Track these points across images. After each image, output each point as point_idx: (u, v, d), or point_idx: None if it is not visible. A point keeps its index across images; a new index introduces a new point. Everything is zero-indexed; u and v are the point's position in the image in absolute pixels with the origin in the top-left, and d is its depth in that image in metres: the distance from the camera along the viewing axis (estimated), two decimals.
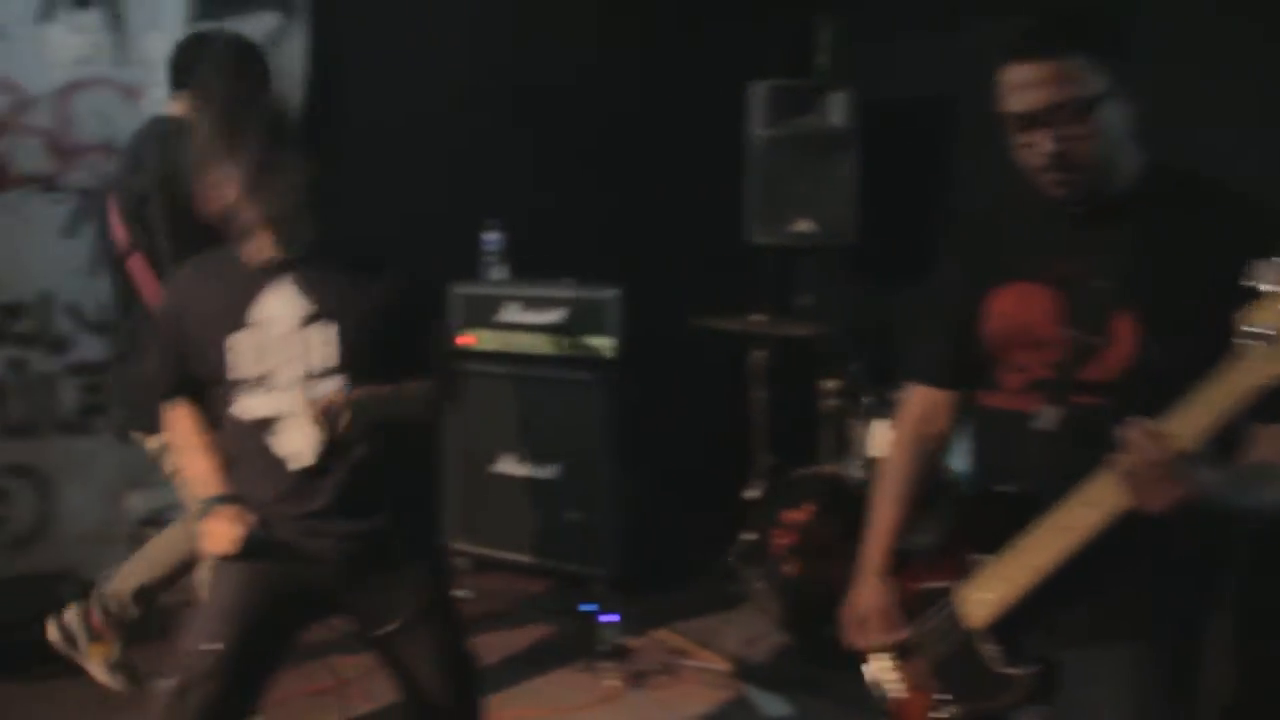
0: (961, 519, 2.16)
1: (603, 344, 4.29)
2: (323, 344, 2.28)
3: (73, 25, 3.91)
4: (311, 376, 2.29)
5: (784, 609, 4.01)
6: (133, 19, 4.01)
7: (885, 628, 2.21)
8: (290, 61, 4.27)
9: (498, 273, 4.57)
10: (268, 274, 2.27)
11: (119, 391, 3.13)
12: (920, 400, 2.26)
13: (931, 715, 2.15)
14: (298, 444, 2.29)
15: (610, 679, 3.73)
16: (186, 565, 3.19)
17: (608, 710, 3.55)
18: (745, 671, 3.78)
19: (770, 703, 3.58)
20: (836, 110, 4.81)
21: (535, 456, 4.44)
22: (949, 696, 2.11)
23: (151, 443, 3.04)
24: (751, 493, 4.29)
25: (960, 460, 3.53)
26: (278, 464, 2.32)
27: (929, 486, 2.30)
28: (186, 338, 2.38)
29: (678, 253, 4.91)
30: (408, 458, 2.48)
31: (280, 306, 2.29)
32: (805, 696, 3.62)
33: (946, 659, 2.13)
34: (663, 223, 4.92)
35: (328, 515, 2.33)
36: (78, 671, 3.61)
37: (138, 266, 2.93)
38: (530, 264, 4.61)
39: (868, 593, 2.26)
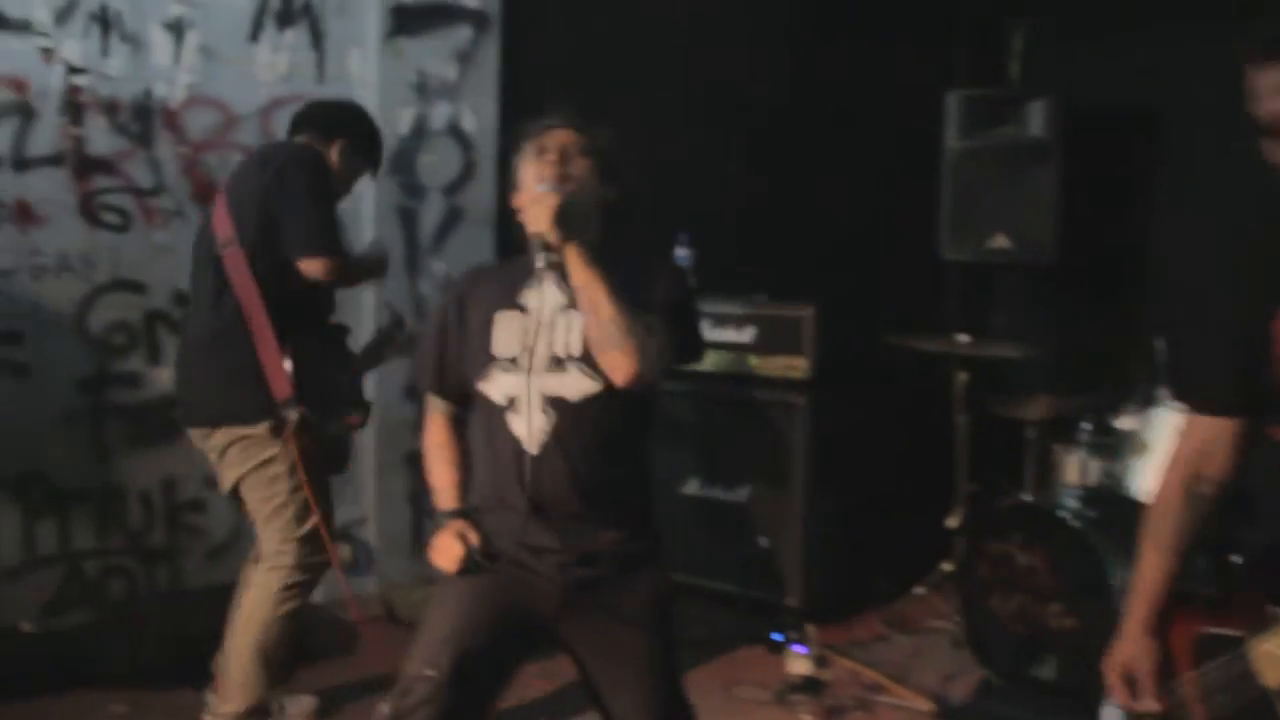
0: (1255, 565, 1.95)
1: (796, 363, 4.16)
2: (570, 331, 2.29)
3: (276, 44, 3.98)
4: (557, 361, 2.29)
5: (988, 645, 3.79)
6: (332, 36, 4.07)
7: (1152, 688, 2.00)
8: (485, 74, 4.27)
9: None
10: (543, 270, 2.31)
11: (198, 382, 3.15)
12: (1200, 432, 2.00)
13: None
14: (531, 427, 2.28)
15: (805, 714, 3.58)
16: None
17: None
18: (947, 712, 3.58)
19: None
20: (1035, 120, 4.58)
21: (724, 479, 4.32)
22: None
23: (201, 439, 3.12)
24: (951, 521, 4.08)
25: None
26: (513, 444, 2.28)
27: (1201, 530, 2.07)
28: (462, 323, 2.40)
29: (868, 269, 4.74)
30: (639, 474, 2.41)
31: (544, 295, 2.33)
32: None
33: (1231, 713, 1.93)
34: (853, 238, 4.76)
35: (553, 523, 2.26)
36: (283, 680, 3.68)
37: (234, 260, 3.01)
38: (718, 280, 4.50)
39: (1135, 650, 2.04)
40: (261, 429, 3.02)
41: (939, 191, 4.67)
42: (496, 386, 2.32)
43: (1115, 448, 3.62)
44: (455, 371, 2.42)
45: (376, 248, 3.64)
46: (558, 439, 2.25)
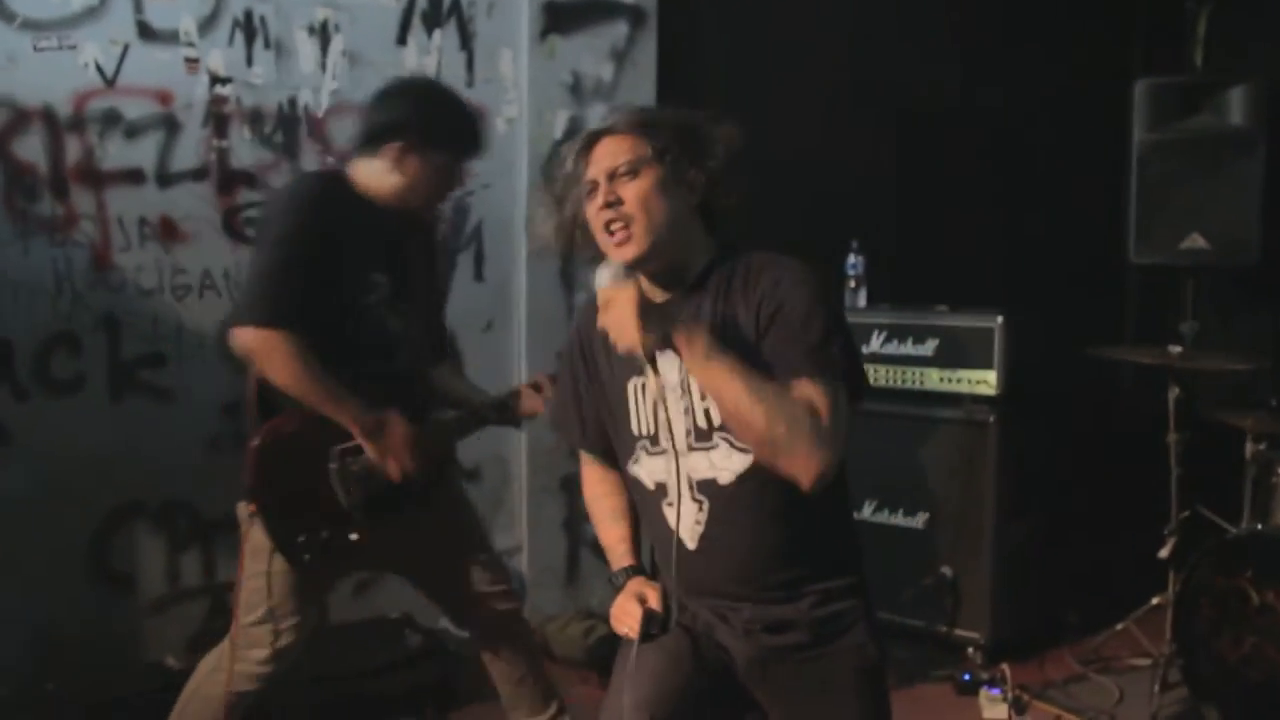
0: None
1: (983, 378, 3.81)
2: (703, 398, 1.92)
3: (424, 47, 3.78)
4: (701, 434, 1.94)
5: (1214, 692, 3.40)
6: (482, 37, 3.86)
7: None
8: (642, 73, 4.01)
9: (859, 299, 4.17)
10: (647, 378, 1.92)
11: None
12: None
13: None
14: (685, 519, 1.96)
15: None
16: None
17: None
18: None
19: None
20: (1235, 107, 4.19)
21: (903, 503, 4.00)
22: None
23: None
24: (1164, 551, 3.69)
25: None
26: (669, 535, 1.98)
27: None
28: (593, 377, 2.10)
29: (1050, 276, 4.39)
30: (831, 530, 2.02)
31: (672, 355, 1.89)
32: None
33: None
34: (1033, 243, 4.41)
35: (736, 602, 1.97)
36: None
37: None
38: (892, 289, 4.20)
39: None
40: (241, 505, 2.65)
41: (1126, 189, 4.30)
42: (645, 470, 2.02)
43: None
44: (597, 426, 2.12)
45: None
46: (716, 530, 1.94)
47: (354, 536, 2.60)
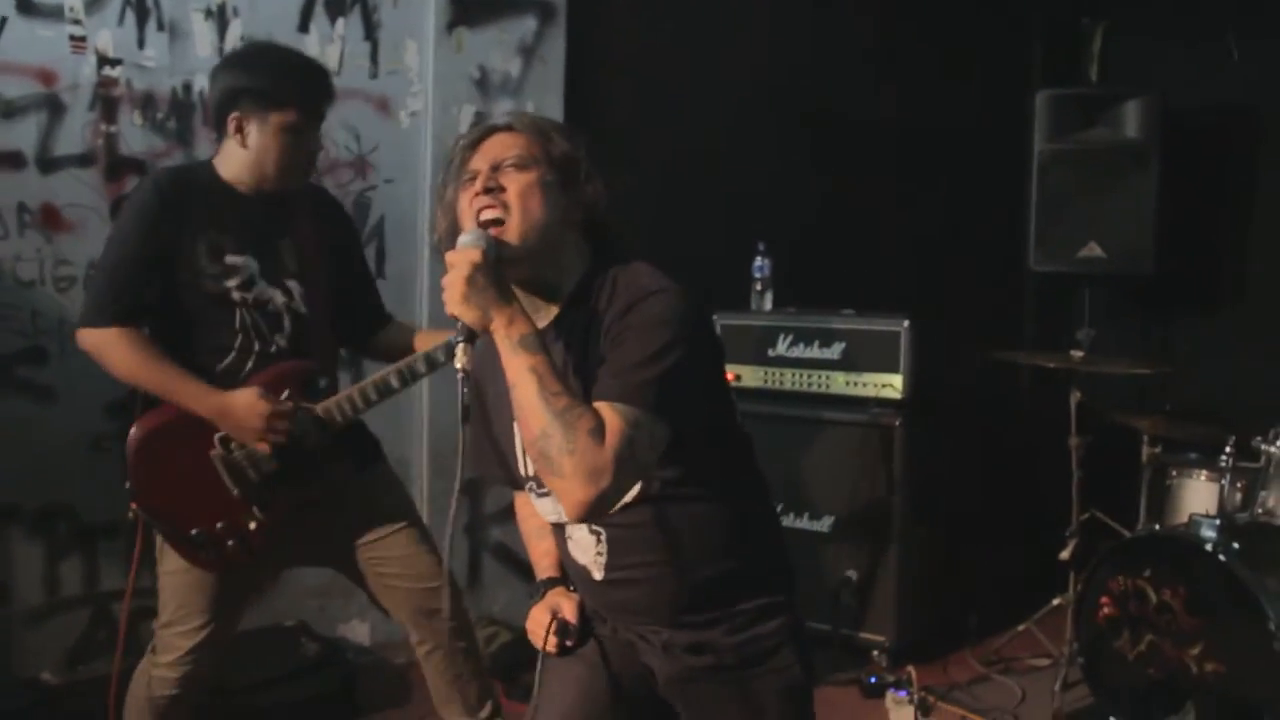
0: None
1: (889, 381, 3.84)
2: None
3: (327, 35, 3.66)
4: None
5: (1112, 690, 3.46)
6: (387, 27, 3.76)
7: None
8: (550, 70, 3.95)
9: (765, 301, 4.16)
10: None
11: None
12: None
13: None
14: (587, 552, 1.89)
15: None
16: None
17: None
18: None
19: None
20: (1130, 121, 4.31)
21: (809, 507, 4.01)
22: None
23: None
24: (1064, 553, 3.76)
25: None
26: (579, 569, 1.93)
27: None
28: (484, 408, 1.98)
29: (950, 282, 4.45)
30: (742, 545, 1.92)
31: None
32: None
33: None
34: (940, 247, 4.47)
35: (653, 626, 1.91)
36: None
37: None
38: (797, 293, 4.21)
39: None
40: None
41: (1026, 198, 4.39)
42: (540, 508, 1.95)
43: (1263, 474, 3.30)
44: (503, 459, 1.99)
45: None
46: (618, 560, 1.86)
47: (253, 525, 2.50)
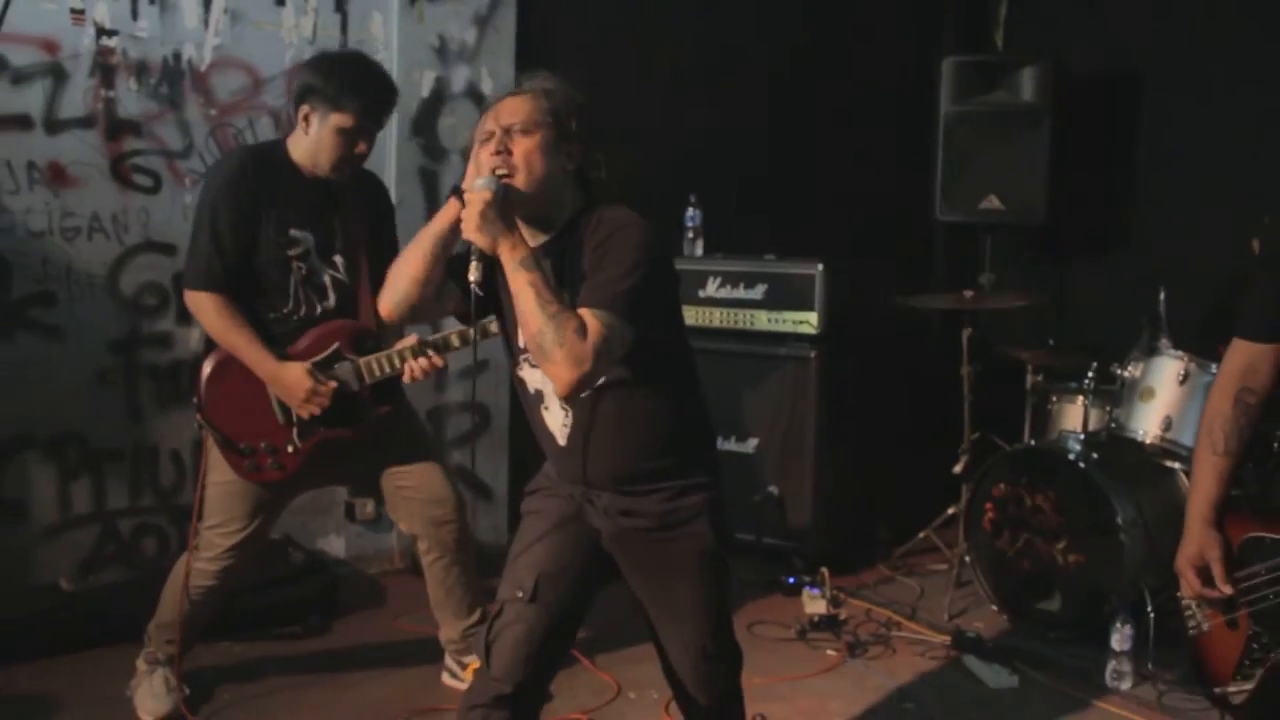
0: None
1: (806, 319, 4.32)
2: None
3: (301, 7, 4.03)
4: None
5: (996, 583, 4.01)
6: (356, 1, 4.12)
7: (1223, 574, 2.26)
8: (503, 37, 4.34)
9: (696, 248, 4.62)
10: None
11: None
12: (1243, 355, 2.31)
13: (1243, 658, 2.29)
14: (556, 420, 2.36)
15: (828, 649, 3.77)
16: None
17: (834, 679, 3.59)
18: (962, 644, 3.78)
19: (996, 674, 3.58)
20: (1027, 85, 4.78)
21: (736, 430, 4.49)
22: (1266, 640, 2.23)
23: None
24: (957, 467, 4.29)
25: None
26: (548, 435, 2.40)
27: (1249, 437, 2.32)
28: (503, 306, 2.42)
29: (866, 229, 4.92)
30: (679, 436, 2.38)
31: None
32: (1026, 669, 3.62)
33: (1275, 610, 2.21)
34: (851, 200, 4.94)
35: (599, 490, 2.37)
36: (320, 630, 3.80)
37: None
38: (724, 240, 4.66)
39: (1202, 542, 2.31)
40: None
41: (933, 154, 4.86)
42: (527, 376, 2.40)
43: (1118, 395, 3.84)
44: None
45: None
46: (580, 430, 2.31)
47: (290, 449, 3.03)
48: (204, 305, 2.96)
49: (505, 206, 2.17)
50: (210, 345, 3.05)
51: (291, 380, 2.97)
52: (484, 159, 2.25)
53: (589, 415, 2.30)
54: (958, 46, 5.26)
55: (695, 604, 2.41)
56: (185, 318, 3.92)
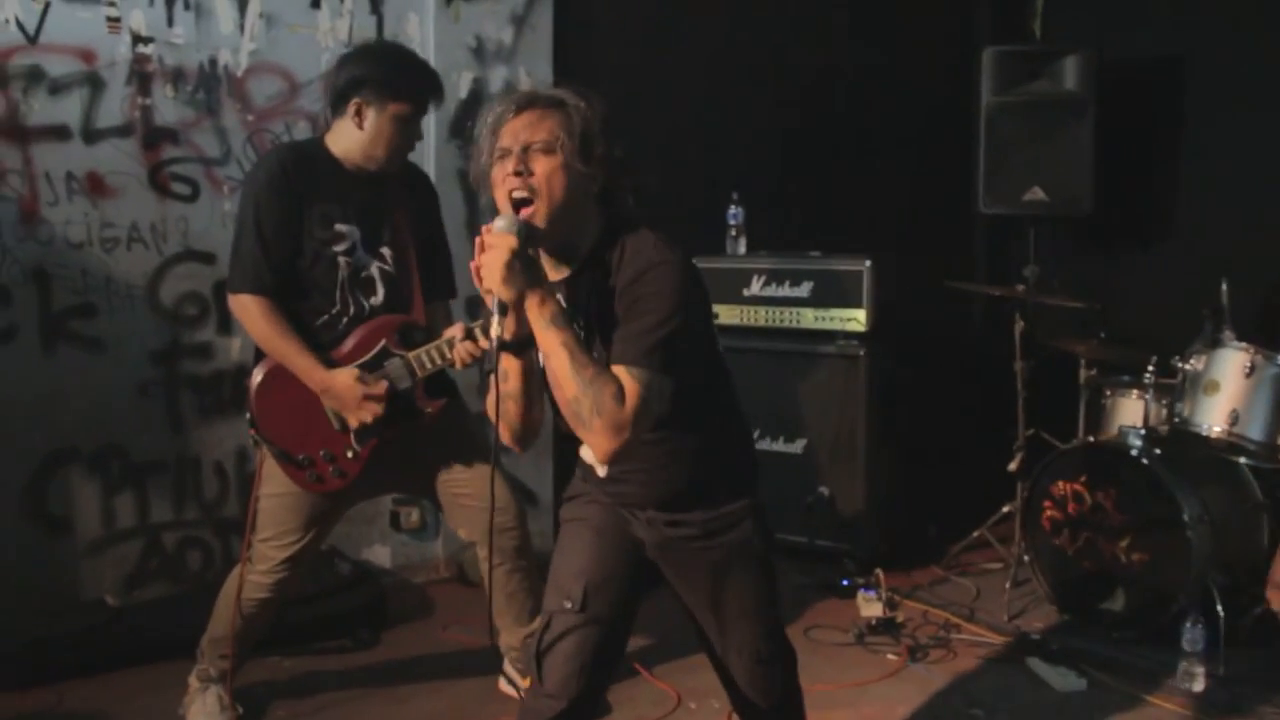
0: None
1: (854, 316, 4.25)
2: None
3: (336, 10, 3.97)
4: None
5: (1056, 583, 3.93)
6: (391, 1, 4.07)
7: None
8: (540, 37, 4.28)
9: (739, 246, 4.55)
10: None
11: None
12: None
13: None
14: (592, 459, 2.25)
15: (888, 654, 3.70)
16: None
17: (897, 685, 3.50)
18: (1024, 645, 3.70)
19: (1063, 677, 3.49)
20: (1069, 74, 4.70)
21: (784, 431, 4.42)
22: None
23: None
24: (1012, 465, 4.21)
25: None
26: (590, 468, 2.31)
27: None
28: None
29: (909, 224, 4.84)
30: (715, 454, 2.30)
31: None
32: (1093, 671, 3.53)
33: None
34: (894, 194, 4.86)
35: (639, 508, 2.30)
36: (370, 643, 3.74)
37: None
38: (767, 237, 4.59)
39: None
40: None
41: (975, 146, 4.78)
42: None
43: (1179, 389, 3.75)
44: None
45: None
46: (616, 465, 2.20)
47: (350, 455, 2.94)
48: (250, 309, 2.87)
49: (530, 251, 2.00)
50: (259, 356, 2.97)
51: (341, 388, 2.89)
52: (500, 180, 2.07)
53: (626, 451, 2.14)
54: (995, 37, 5.18)
55: (745, 608, 2.34)
56: (226, 327, 3.87)
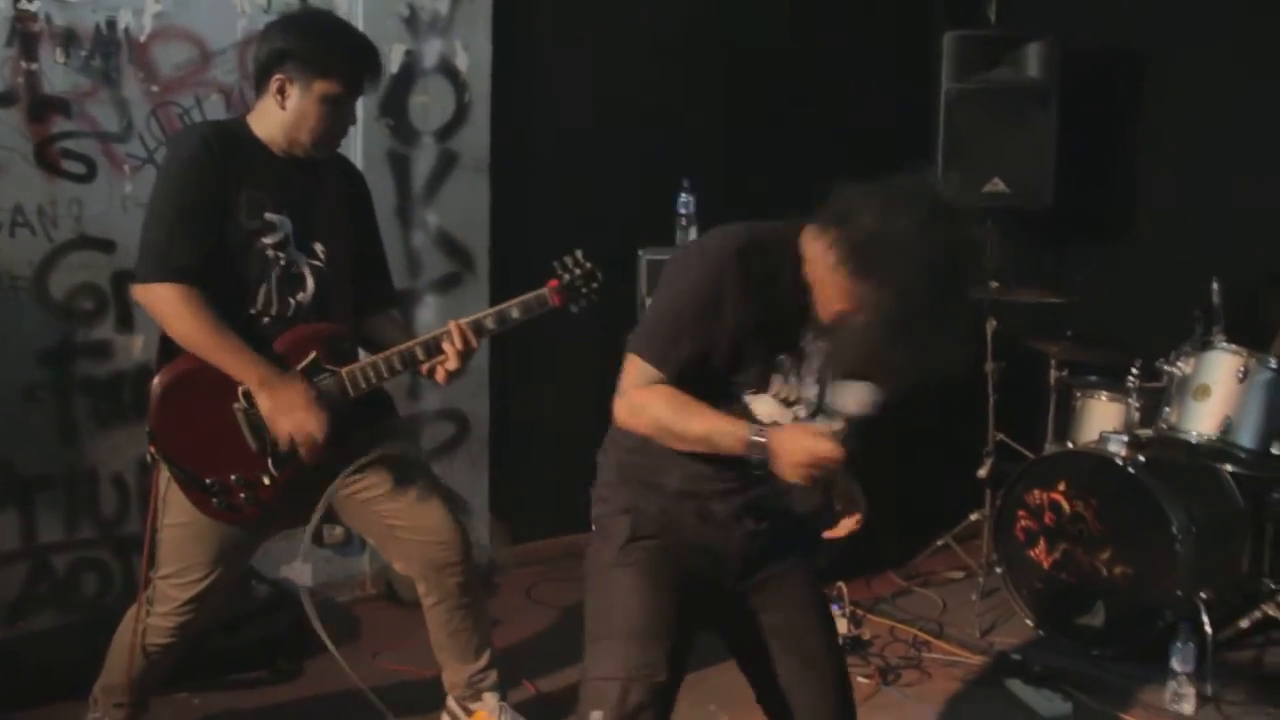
0: None
1: None
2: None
3: None
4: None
5: (1031, 597, 3.73)
6: None
7: None
8: (478, 8, 3.93)
9: (689, 236, 4.24)
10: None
11: None
12: None
13: None
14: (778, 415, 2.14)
15: (858, 677, 3.44)
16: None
17: (872, 713, 3.24)
18: (1004, 666, 3.49)
19: (1048, 701, 3.28)
20: (1031, 61, 4.50)
21: None
22: None
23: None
24: (982, 471, 4.00)
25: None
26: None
27: None
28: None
29: None
30: None
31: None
32: (1077, 693, 3.33)
33: None
34: (854, 183, 4.60)
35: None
36: (291, 674, 3.37)
37: None
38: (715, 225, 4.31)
39: None
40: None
41: (934, 135, 4.56)
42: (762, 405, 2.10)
43: (1166, 392, 3.57)
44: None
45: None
46: None
47: (266, 480, 2.52)
48: (170, 301, 2.42)
49: None
50: (163, 358, 2.53)
51: (290, 389, 2.48)
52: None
53: None
54: (950, 21, 4.96)
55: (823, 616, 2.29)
56: (127, 323, 3.45)
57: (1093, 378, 4.04)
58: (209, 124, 2.90)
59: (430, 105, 3.90)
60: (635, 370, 2.04)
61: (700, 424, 1.99)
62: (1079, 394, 3.99)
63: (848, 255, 1.92)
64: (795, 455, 1.91)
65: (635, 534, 2.13)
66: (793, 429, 1.99)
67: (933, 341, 1.91)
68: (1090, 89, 4.65)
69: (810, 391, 2.13)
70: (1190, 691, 3.23)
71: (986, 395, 4.07)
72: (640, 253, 4.03)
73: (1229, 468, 3.55)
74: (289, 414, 2.47)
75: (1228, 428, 3.39)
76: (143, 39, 3.41)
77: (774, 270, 2.05)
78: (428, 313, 3.93)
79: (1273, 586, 3.57)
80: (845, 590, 3.74)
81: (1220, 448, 3.43)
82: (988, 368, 3.98)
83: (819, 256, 1.99)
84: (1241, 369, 3.38)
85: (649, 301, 2.16)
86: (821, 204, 2.06)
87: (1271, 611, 3.51)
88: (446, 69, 3.92)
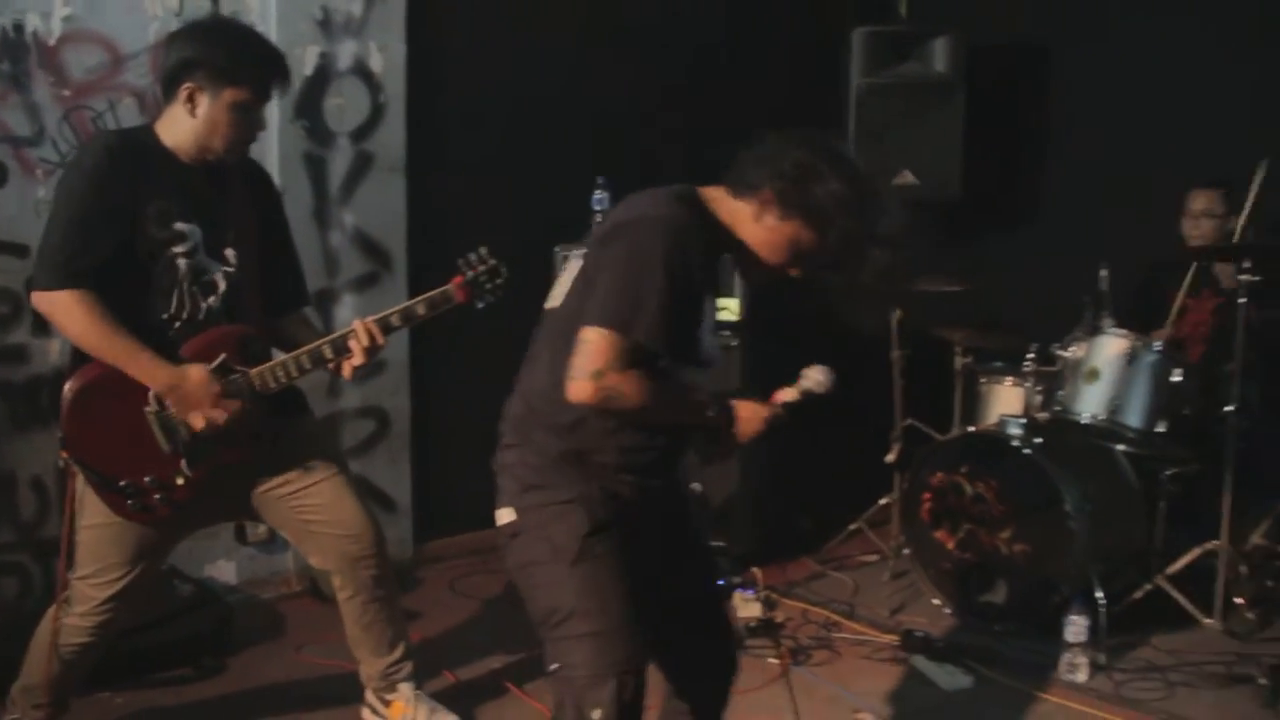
0: None
1: (727, 305, 4.09)
2: None
3: None
4: None
5: (937, 576, 3.85)
6: None
7: None
8: (391, 9, 3.97)
9: None
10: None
11: None
12: None
13: None
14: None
15: (769, 658, 3.55)
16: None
17: (782, 691, 3.31)
18: (911, 644, 3.61)
19: (949, 675, 3.42)
20: (939, 57, 4.63)
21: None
22: None
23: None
24: (890, 456, 4.12)
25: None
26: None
27: None
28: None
29: None
30: None
31: None
32: (979, 667, 3.47)
33: None
34: None
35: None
36: (214, 671, 3.42)
37: None
38: None
39: None
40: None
41: (845, 129, 4.66)
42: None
43: (1059, 376, 3.71)
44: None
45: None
46: None
47: (180, 481, 2.58)
48: (67, 307, 2.46)
49: None
50: (74, 365, 2.57)
51: (194, 383, 2.52)
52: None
53: None
54: (862, 17, 5.07)
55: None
56: (43, 328, 3.46)
57: (997, 364, 4.17)
58: (115, 133, 2.93)
59: (345, 107, 3.94)
60: (611, 349, 1.99)
61: (678, 399, 2.19)
62: (983, 379, 4.13)
63: (791, 195, 2.12)
64: (754, 424, 2.31)
65: (595, 526, 2.13)
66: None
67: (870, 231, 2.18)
68: (996, 83, 4.79)
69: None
70: (1084, 661, 3.37)
71: (893, 382, 4.20)
72: (557, 249, 4.11)
73: (1120, 447, 3.70)
74: (197, 405, 2.53)
75: (1116, 409, 3.54)
76: (52, 42, 3.42)
77: (712, 236, 2.16)
78: (346, 311, 3.97)
79: (1164, 561, 3.73)
80: (760, 575, 3.85)
81: (1110, 428, 3.58)
82: (894, 355, 4.10)
83: (753, 214, 2.17)
84: (1128, 352, 3.53)
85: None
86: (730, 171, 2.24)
87: (1163, 584, 3.67)
88: (361, 70, 3.96)
